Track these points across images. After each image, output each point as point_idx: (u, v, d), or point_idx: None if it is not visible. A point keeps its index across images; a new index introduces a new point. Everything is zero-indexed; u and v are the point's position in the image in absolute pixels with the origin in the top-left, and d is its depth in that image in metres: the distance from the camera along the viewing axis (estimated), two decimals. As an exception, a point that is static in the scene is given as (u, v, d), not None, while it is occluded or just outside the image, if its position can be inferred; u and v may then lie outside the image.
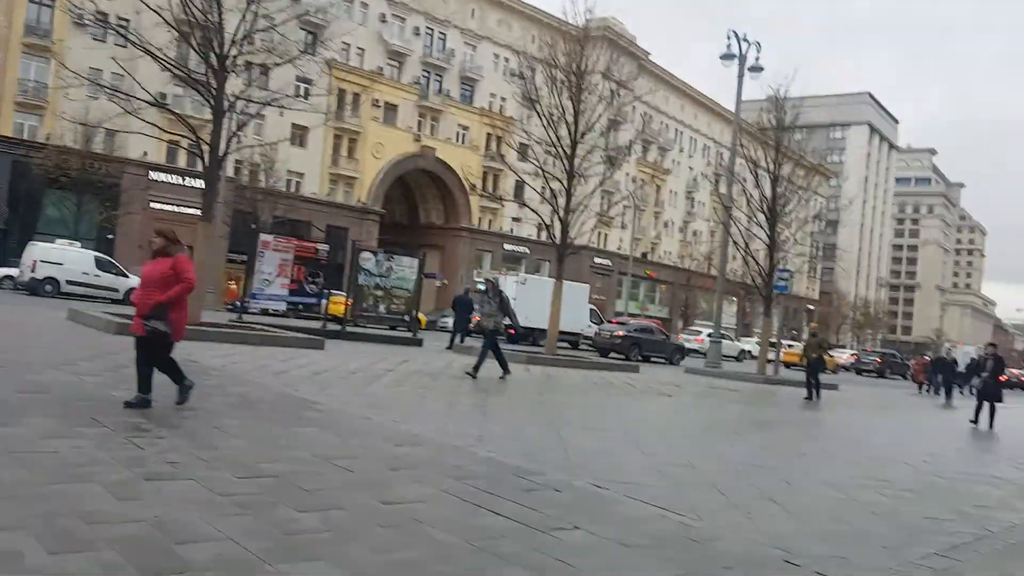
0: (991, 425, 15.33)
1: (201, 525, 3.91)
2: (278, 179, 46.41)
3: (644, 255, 70.86)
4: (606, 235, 67.11)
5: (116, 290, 28.14)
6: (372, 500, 4.70)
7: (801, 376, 20.42)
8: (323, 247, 20.63)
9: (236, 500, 4.39)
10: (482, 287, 14.95)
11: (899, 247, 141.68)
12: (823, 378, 19.54)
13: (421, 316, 25.53)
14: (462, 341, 21.35)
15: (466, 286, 26.25)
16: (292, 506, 4.38)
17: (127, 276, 28.43)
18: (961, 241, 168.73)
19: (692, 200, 78.84)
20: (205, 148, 15.71)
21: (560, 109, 19.07)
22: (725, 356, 34.96)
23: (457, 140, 58.40)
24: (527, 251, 60.84)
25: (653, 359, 29.89)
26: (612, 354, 28.82)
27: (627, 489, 5.98)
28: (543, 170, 19.49)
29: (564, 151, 19.17)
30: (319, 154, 51.33)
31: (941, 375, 27.27)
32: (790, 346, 43.86)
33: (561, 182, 19.47)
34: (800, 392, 20.49)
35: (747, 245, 24.87)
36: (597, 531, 4.67)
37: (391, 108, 54.98)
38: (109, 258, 30.75)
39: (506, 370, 13.65)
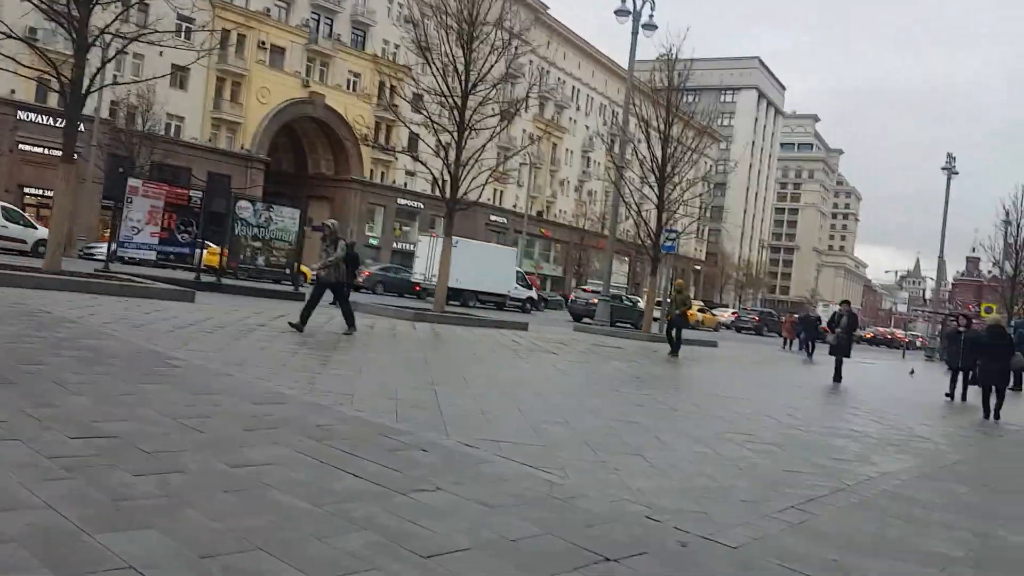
0: (838, 379, 16.00)
1: (19, 491, 3.54)
2: (156, 122, 43.92)
3: (539, 213, 71.30)
4: (502, 192, 67.04)
5: (24, 241, 27.51)
6: (219, 463, 4.40)
7: (684, 334, 20.95)
8: (196, 194, 19.58)
9: (65, 463, 4.02)
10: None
11: (781, 210, 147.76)
12: (687, 334, 20.17)
13: (305, 269, 24.79)
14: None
15: (352, 240, 25.62)
16: (128, 470, 4.04)
17: (35, 228, 27.77)
18: (837, 205, 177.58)
19: (588, 160, 79.61)
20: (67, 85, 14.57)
21: (451, 58, 18.60)
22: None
23: (348, 87, 56.68)
24: (421, 206, 60.14)
25: (619, 323, 32.46)
26: (585, 319, 32.90)
27: (498, 448, 5.88)
28: (432, 121, 19.04)
29: (455, 102, 18.76)
30: (200, 97, 48.82)
31: (804, 332, 28.67)
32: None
33: (452, 135, 19.08)
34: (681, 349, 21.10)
35: (639, 206, 25.24)
36: (459, 492, 4.54)
37: (278, 51, 52.74)
38: (18, 209, 29.77)
39: (351, 326, 12.62)
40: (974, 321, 18.01)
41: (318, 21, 55.09)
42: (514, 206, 67.09)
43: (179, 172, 42.59)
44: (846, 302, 17.66)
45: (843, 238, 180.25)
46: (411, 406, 7.15)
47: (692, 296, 27.36)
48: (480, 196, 20.35)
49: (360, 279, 24.26)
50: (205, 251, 19.67)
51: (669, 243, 25.46)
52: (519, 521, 4.12)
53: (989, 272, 59.76)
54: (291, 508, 3.82)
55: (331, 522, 3.70)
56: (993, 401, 12.54)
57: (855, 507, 5.49)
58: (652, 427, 7.67)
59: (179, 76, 44.94)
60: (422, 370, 9.65)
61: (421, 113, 19.45)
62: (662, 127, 24.87)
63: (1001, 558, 4.67)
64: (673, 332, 18.43)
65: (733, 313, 57.15)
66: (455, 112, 18.85)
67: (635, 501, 4.92)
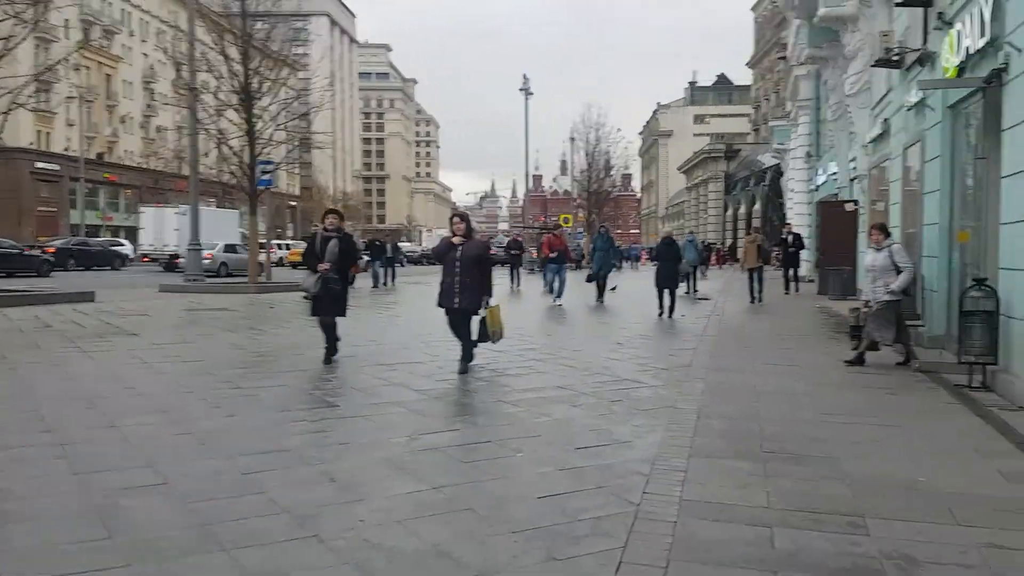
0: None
1: None
2: None
3: (100, 156, 61.10)
4: (48, 134, 55.84)
5: None
6: None
7: (299, 276, 17.63)
8: None
9: None
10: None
11: (368, 140, 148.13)
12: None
13: None
14: None
15: None
16: None
17: None
18: (420, 133, 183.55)
19: (152, 92, 69.83)
20: None
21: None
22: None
23: None
24: (-67, 156, 47.34)
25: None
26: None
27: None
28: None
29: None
30: None
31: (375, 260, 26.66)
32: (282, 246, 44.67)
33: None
34: (294, 297, 17.99)
35: (222, 135, 21.27)
36: None
37: None
38: None
39: None
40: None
41: None
42: (66, 149, 56.17)
43: None
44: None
45: (428, 165, 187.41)
46: None
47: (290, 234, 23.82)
48: (2, 130, 14.81)
49: None
50: None
51: (266, 176, 21.94)
52: None
53: (550, 187, 65.31)
54: None
55: None
56: (667, 302, 13.99)
57: (678, 557, 3.38)
58: (316, 457, 4.83)
59: None
60: None
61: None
62: (241, 45, 21.12)
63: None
64: None
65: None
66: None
67: None
